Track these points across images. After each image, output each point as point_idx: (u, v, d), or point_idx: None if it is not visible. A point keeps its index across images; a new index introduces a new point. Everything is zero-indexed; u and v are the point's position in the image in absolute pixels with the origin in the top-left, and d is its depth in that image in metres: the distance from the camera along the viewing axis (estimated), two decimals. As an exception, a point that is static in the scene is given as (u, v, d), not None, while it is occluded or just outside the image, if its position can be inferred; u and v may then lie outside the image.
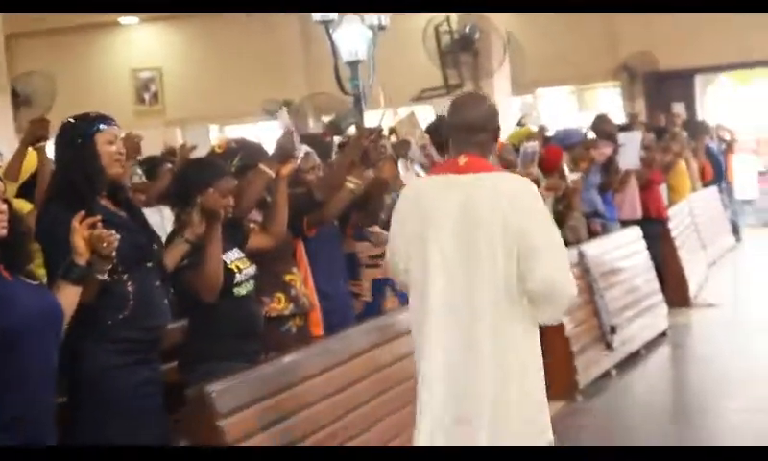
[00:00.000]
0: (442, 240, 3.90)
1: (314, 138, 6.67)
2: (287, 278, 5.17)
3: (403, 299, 5.90)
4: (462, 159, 3.97)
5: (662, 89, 16.76)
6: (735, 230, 16.28)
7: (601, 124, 10.21)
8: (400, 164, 5.86)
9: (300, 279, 5.24)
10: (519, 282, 3.84)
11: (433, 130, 6.96)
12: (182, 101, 18.13)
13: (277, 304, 5.10)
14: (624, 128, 11.24)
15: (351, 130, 8.47)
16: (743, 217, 17.81)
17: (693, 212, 13.13)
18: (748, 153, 19.21)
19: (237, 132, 17.67)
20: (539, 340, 4.01)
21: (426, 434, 3.93)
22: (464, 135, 3.99)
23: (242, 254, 4.64)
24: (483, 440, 3.86)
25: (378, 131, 5.28)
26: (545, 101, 18.93)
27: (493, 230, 3.83)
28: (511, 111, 13.80)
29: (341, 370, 4.96)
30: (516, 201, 3.89)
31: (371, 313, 5.78)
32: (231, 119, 18.46)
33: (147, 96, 18.63)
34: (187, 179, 4.54)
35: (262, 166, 4.92)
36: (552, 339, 7.57)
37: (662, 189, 11.55)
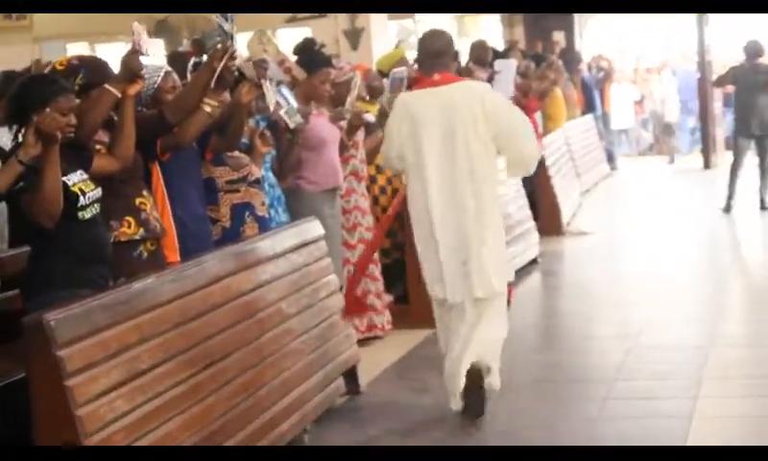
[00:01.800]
0: (430, 133, 5.35)
1: (177, 57, 6.38)
2: (137, 201, 4.91)
3: (263, 224, 5.75)
4: (435, 76, 5.43)
5: (541, 17, 16.71)
6: (611, 159, 16.45)
7: (477, 51, 10.08)
8: (265, 86, 5.62)
9: (151, 202, 4.99)
10: (495, 156, 5.43)
11: (299, 50, 6.73)
12: (51, 16, 17.37)
13: (127, 229, 4.84)
14: (501, 55, 11.14)
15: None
16: (619, 146, 18.02)
17: (568, 141, 13.18)
18: (626, 82, 19.39)
19: (108, 50, 17.08)
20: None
21: (439, 279, 5.49)
22: (434, 59, 5.47)
23: (86, 177, 4.38)
24: (475, 275, 5.36)
25: (231, 52, 5.00)
26: (425, 26, 18.74)
27: (468, 119, 5.31)
28: (388, 36, 13.58)
29: (195, 297, 4.73)
30: (487, 95, 5.44)
31: (229, 239, 5.57)
32: (102, 37, 17.79)
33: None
34: (23, 96, 4.24)
35: (107, 86, 4.67)
36: (418, 267, 7.48)
37: (538, 117, 11.52)
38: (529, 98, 10.68)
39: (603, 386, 5.88)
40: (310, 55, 6.66)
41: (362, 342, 6.74)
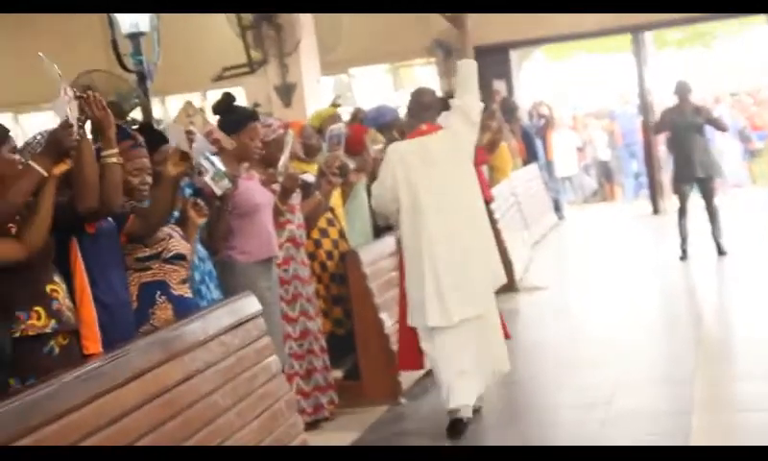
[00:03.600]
0: (423, 174, 6.18)
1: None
2: (48, 288, 4.27)
3: (180, 305, 5.07)
4: (423, 127, 6.34)
5: (479, 66, 16.21)
6: (558, 208, 16.03)
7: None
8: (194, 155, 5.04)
9: (64, 289, 4.35)
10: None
11: (219, 108, 6.09)
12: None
13: (36, 321, 4.20)
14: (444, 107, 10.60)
15: (137, 112, 7.50)
16: (564, 194, 17.63)
17: (515, 191, 12.71)
18: (566, 129, 19.06)
19: (34, 119, 16.40)
20: None
21: (433, 299, 6.05)
22: (423, 112, 6.39)
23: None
24: (471, 294, 6.13)
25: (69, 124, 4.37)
26: (360, 81, 18.28)
27: (452, 155, 6.25)
28: (322, 91, 13.03)
29: (115, 396, 4.08)
30: (458, 128, 6.31)
31: (138, 322, 4.90)
32: (28, 106, 17.09)
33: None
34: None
35: (32, 162, 4.09)
36: (369, 337, 6.90)
37: (484, 169, 11.01)
38: (477, 150, 10.12)
39: (580, 467, 5.28)
40: (232, 111, 6.03)
41: (309, 425, 6.10)
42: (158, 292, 4.97)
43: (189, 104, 5.65)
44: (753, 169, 18.84)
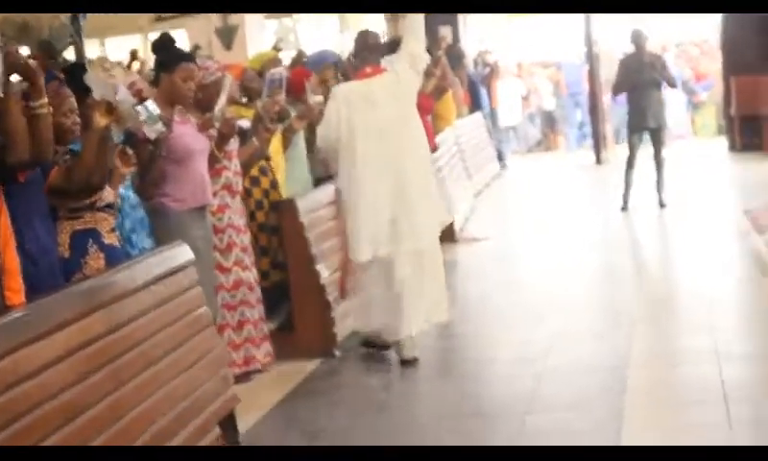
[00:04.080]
0: (363, 117, 6.39)
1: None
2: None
3: (111, 254, 4.94)
4: (368, 69, 6.51)
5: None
6: (501, 158, 15.97)
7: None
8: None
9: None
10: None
11: (156, 48, 5.91)
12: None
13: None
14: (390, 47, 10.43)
15: (71, 51, 7.28)
16: (507, 143, 17.57)
17: (459, 141, 12.61)
18: (511, 77, 18.96)
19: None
20: None
21: (367, 239, 6.36)
22: (368, 53, 6.54)
23: None
24: (406, 229, 6.38)
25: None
26: (306, 23, 18.02)
27: (395, 100, 6.47)
28: (266, 35, 12.80)
29: (38, 347, 3.95)
30: (403, 73, 6.54)
31: (69, 272, 4.77)
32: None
33: None
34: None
35: None
36: (304, 289, 6.80)
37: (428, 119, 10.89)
38: (422, 97, 9.99)
39: (514, 421, 5.24)
40: (168, 51, 5.85)
41: (239, 378, 5.99)
42: (90, 240, 4.85)
43: (103, 58, 5.50)
44: (696, 120, 18.91)
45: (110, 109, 4.69)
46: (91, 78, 4.67)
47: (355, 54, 6.69)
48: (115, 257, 4.92)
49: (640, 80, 11.27)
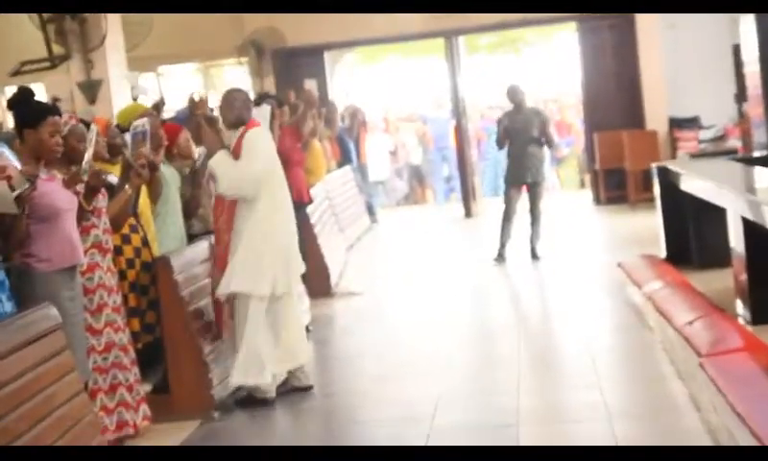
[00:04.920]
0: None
1: None
2: None
3: None
4: (254, 121, 6.89)
5: (292, 66, 15.95)
6: (371, 211, 15.85)
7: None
8: None
9: None
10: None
11: (14, 103, 5.56)
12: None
13: None
14: (255, 102, 10.21)
15: None
16: (377, 197, 17.48)
17: (330, 195, 12.43)
18: (378, 132, 18.93)
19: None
20: None
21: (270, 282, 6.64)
22: (246, 112, 6.84)
23: None
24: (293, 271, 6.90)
25: None
26: (170, 79, 17.71)
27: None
28: (128, 88, 12.43)
29: None
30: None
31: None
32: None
33: None
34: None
35: None
36: (179, 348, 6.50)
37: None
38: (293, 150, 9.79)
39: (406, 485, 5.00)
40: (29, 106, 5.50)
41: (112, 444, 5.63)
42: None
43: None
44: (561, 174, 19.14)
45: None
46: None
47: (231, 111, 6.81)
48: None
49: (519, 135, 11.28)
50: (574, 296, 9.34)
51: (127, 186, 6.15)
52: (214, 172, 6.67)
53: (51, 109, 5.59)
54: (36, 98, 5.67)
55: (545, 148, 11.56)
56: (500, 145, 11.64)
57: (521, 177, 11.34)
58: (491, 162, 18.26)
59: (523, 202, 11.48)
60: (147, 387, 6.42)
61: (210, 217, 7.74)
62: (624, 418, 5.71)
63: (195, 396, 6.48)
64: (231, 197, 6.67)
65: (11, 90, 12.45)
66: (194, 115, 8.36)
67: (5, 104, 5.47)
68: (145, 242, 6.58)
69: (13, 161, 5.03)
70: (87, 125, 5.85)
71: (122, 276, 6.41)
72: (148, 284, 6.56)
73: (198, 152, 7.37)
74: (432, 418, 6.06)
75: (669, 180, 9.32)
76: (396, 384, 7.02)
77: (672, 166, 9.61)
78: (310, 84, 15.54)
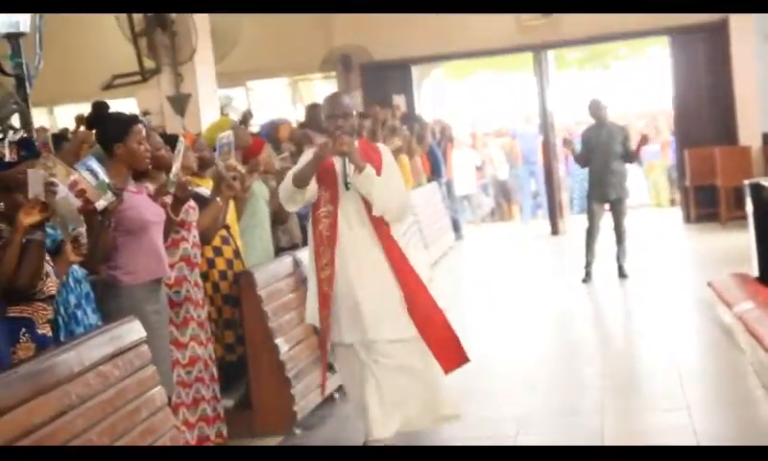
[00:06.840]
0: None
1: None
2: None
3: (42, 347, 4.60)
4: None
5: (380, 81, 15.99)
6: (456, 228, 15.79)
7: (313, 113, 9.19)
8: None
9: None
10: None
11: (93, 120, 5.61)
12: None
13: None
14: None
15: (15, 119, 6.97)
16: (462, 213, 17.42)
17: (415, 211, 12.37)
18: (465, 148, 18.88)
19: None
20: None
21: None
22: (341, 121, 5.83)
23: None
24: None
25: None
26: (258, 93, 17.86)
27: None
28: (217, 102, 12.57)
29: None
30: None
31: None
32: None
33: None
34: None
35: None
36: (261, 364, 6.49)
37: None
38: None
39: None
40: (108, 119, 5.54)
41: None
42: (23, 330, 4.50)
43: (47, 156, 5.22)
44: (651, 192, 18.87)
45: (44, 208, 4.39)
46: (31, 175, 4.38)
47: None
48: (46, 349, 4.58)
49: (601, 151, 11.14)
50: (661, 315, 9.17)
51: (218, 198, 6.18)
52: (371, 190, 5.80)
53: (133, 118, 5.64)
54: (111, 109, 5.70)
55: (627, 164, 11.37)
56: (579, 163, 11.50)
57: (605, 194, 11.19)
58: (578, 178, 18.07)
59: (607, 219, 11.32)
60: (229, 403, 6.42)
61: (296, 230, 7.78)
62: (712, 442, 5.57)
63: (277, 411, 6.47)
64: (392, 219, 5.90)
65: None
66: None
67: (64, 167, 5.50)
68: (237, 254, 6.61)
69: (102, 176, 5.07)
70: (175, 138, 5.90)
71: (215, 288, 6.45)
72: (240, 297, 6.57)
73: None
74: (515, 438, 5.98)
75: (763, 197, 9.09)
76: (478, 403, 6.94)
77: (766, 183, 9.38)
78: (398, 100, 15.58)
